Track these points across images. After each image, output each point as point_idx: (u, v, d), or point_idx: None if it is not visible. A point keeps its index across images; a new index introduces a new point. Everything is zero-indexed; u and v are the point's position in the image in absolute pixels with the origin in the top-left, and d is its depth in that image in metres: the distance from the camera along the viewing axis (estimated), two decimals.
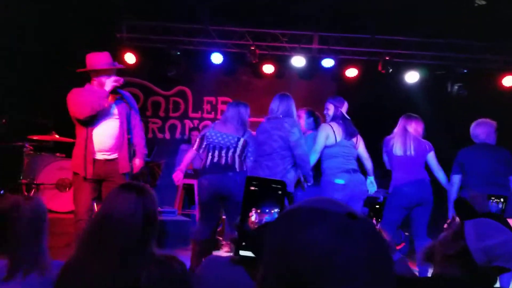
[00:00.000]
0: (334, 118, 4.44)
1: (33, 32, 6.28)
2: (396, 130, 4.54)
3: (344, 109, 4.50)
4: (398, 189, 4.44)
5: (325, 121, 4.64)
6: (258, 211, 1.18)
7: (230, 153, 4.17)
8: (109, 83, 3.88)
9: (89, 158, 3.81)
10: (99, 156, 3.88)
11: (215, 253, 4.84)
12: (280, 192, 1.16)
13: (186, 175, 7.16)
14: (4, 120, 5.83)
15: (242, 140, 4.21)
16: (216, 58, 7.96)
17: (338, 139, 4.31)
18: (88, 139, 3.83)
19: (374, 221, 1.93)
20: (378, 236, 0.74)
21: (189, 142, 7.67)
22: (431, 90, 7.91)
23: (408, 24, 7.22)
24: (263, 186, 1.20)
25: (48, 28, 6.37)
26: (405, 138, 4.42)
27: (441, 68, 8.00)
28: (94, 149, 3.84)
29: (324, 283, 0.68)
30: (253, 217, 1.18)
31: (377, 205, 1.98)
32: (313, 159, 4.29)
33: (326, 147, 4.31)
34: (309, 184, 4.30)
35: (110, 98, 3.96)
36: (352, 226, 0.72)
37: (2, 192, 5.34)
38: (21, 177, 5.68)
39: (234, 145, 4.18)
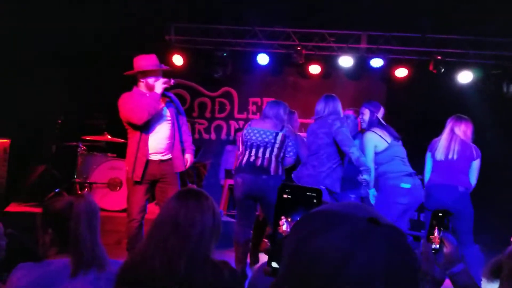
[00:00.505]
0: (370, 124, 4.31)
1: (87, 34, 6.49)
2: (444, 130, 4.34)
3: (380, 114, 4.34)
4: (428, 190, 4.28)
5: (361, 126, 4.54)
6: (289, 219, 1.15)
7: (267, 153, 4.12)
8: (159, 85, 3.94)
9: (139, 162, 3.89)
10: (154, 157, 3.96)
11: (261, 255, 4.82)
12: (315, 201, 1.12)
13: (231, 176, 7.21)
14: (59, 121, 6.05)
15: (280, 134, 4.15)
16: (262, 59, 7.96)
17: (389, 141, 4.18)
18: (141, 142, 3.92)
19: (436, 230, 1.83)
20: (402, 245, 0.70)
21: (234, 143, 7.73)
22: (486, 91, 7.59)
23: (461, 23, 6.95)
24: (297, 194, 1.17)
25: (101, 30, 6.56)
26: (450, 141, 4.22)
27: (497, 67, 7.66)
28: (148, 151, 3.93)
29: None
30: (284, 226, 1.14)
31: (440, 213, 1.88)
32: (372, 175, 4.14)
33: (378, 153, 4.16)
34: (363, 177, 4.04)
35: (161, 100, 4.04)
36: (372, 231, 0.68)
37: (57, 190, 5.56)
38: (75, 176, 5.88)
39: (272, 141, 4.13)
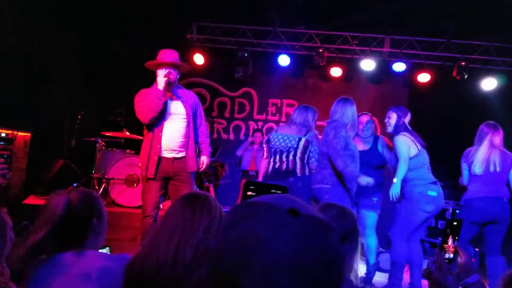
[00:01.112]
0: (396, 129, 4.24)
1: (110, 31, 6.54)
2: (481, 141, 4.25)
3: (407, 120, 4.27)
4: (469, 203, 4.24)
5: (385, 130, 4.46)
6: None
7: (290, 157, 4.11)
8: (161, 79, 3.88)
9: (152, 159, 3.90)
10: (167, 154, 3.95)
11: None
12: None
13: (249, 176, 7.20)
14: (79, 116, 6.11)
15: (303, 139, 4.15)
16: (283, 60, 7.92)
17: (419, 147, 4.14)
18: (154, 140, 3.92)
19: (451, 239, 1.78)
20: (318, 236, 0.69)
21: (252, 142, 7.71)
22: (510, 98, 7.39)
23: (486, 28, 6.80)
24: (261, 191, 1.13)
25: (124, 27, 6.61)
26: (490, 153, 4.17)
27: None
28: (160, 148, 3.92)
29: (248, 280, 0.64)
30: None
31: (455, 221, 1.83)
32: (404, 168, 4.07)
33: (410, 158, 4.10)
34: (360, 182, 3.94)
35: (168, 95, 3.95)
36: (289, 222, 0.68)
37: (75, 185, 5.60)
38: (93, 172, 5.93)
39: (295, 146, 4.13)
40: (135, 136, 6.28)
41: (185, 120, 4.02)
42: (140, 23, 6.79)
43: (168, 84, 3.91)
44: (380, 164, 4.66)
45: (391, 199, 4.13)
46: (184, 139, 4.01)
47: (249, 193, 1.11)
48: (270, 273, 0.64)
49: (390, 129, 4.31)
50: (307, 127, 4.27)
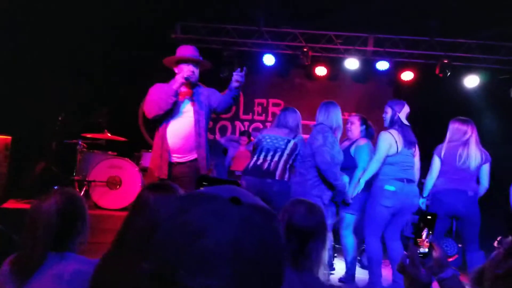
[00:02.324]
0: (391, 123, 4.23)
1: (91, 32, 6.47)
2: (457, 136, 4.26)
3: (403, 114, 4.25)
4: (435, 196, 4.26)
5: (383, 125, 4.47)
6: None
7: (276, 157, 4.05)
8: (178, 78, 3.67)
9: (165, 158, 3.71)
10: (173, 158, 3.76)
11: None
12: None
13: (235, 177, 7.17)
14: (60, 118, 6.03)
15: (292, 142, 4.11)
16: (268, 59, 7.91)
17: (400, 148, 4.11)
18: (164, 138, 3.74)
19: (425, 231, 1.77)
20: (259, 225, 0.67)
21: (238, 144, 7.69)
22: (493, 96, 7.47)
23: (469, 27, 6.84)
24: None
25: (106, 28, 6.54)
26: (470, 148, 4.18)
27: (505, 72, 7.52)
28: (169, 149, 3.73)
29: (185, 270, 0.62)
30: None
31: (428, 215, 1.82)
32: (374, 167, 4.11)
33: (387, 156, 4.11)
34: (347, 198, 4.13)
35: (183, 95, 3.75)
36: (230, 210, 0.66)
37: (56, 188, 5.54)
38: (74, 174, 5.85)
39: (282, 147, 4.09)
40: (117, 137, 6.22)
41: (193, 118, 3.76)
42: (124, 23, 6.72)
43: (191, 85, 3.76)
44: (348, 166, 4.60)
45: (349, 197, 4.25)
46: (191, 141, 3.76)
47: (202, 188, 1.10)
48: (209, 263, 0.62)
49: (386, 123, 4.31)
50: (296, 129, 4.24)
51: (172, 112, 3.72)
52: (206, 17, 7.76)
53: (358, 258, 5.16)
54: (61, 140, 6.05)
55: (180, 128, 3.74)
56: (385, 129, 4.25)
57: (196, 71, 3.81)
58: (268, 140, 4.16)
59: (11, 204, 5.21)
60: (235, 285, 0.62)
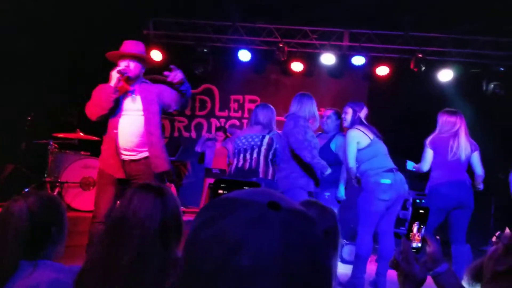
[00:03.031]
0: (352, 123, 4.30)
1: (60, 28, 6.27)
2: (446, 128, 4.31)
3: (363, 114, 4.34)
4: (435, 189, 4.29)
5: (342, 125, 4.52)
6: None
7: (254, 154, 4.04)
8: (114, 75, 3.54)
9: (119, 157, 3.62)
10: (124, 156, 3.65)
11: None
12: None
13: (212, 174, 7.07)
14: (29, 118, 5.83)
15: (267, 137, 4.09)
16: (244, 55, 7.83)
17: (371, 137, 4.16)
18: (110, 138, 3.65)
19: (416, 226, 1.73)
20: (307, 234, 0.62)
21: (209, 139, 7.59)
22: (466, 89, 7.60)
23: (442, 21, 6.93)
24: (233, 189, 1.03)
25: (74, 24, 6.35)
26: (460, 139, 4.25)
27: (477, 66, 7.66)
28: (118, 148, 3.63)
29: (228, 283, 0.57)
30: None
31: (421, 209, 1.78)
32: (352, 172, 4.16)
33: (360, 150, 4.14)
34: (324, 174, 4.05)
35: (121, 90, 3.61)
36: (269, 216, 0.61)
37: (26, 190, 5.33)
38: (46, 175, 5.66)
39: (258, 143, 4.07)
40: (90, 136, 6.04)
41: (143, 116, 3.64)
42: (94, 19, 6.53)
43: (128, 79, 3.62)
44: (330, 162, 4.61)
45: (337, 201, 4.26)
46: (142, 138, 3.65)
47: (220, 191, 1.04)
48: (251, 276, 0.57)
49: (346, 123, 4.38)
50: (270, 125, 4.22)
51: (116, 110, 3.61)
52: (179, 12, 7.61)
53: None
54: (31, 140, 5.84)
55: (130, 127, 3.63)
56: (347, 129, 4.33)
57: (134, 66, 3.66)
58: (244, 141, 4.14)
59: None
60: None
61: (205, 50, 7.69)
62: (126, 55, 3.64)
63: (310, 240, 0.62)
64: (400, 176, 4.13)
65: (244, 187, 1.04)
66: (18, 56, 5.98)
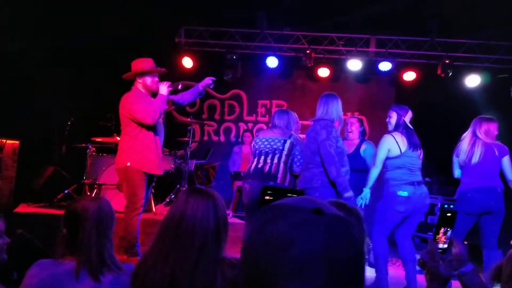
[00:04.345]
0: (396, 127, 4.28)
1: (98, 36, 6.53)
2: (464, 135, 4.38)
3: (407, 118, 4.30)
4: (463, 194, 4.33)
5: (384, 125, 4.55)
6: None
7: (275, 159, 4.11)
8: (164, 87, 4.19)
9: (160, 156, 4.30)
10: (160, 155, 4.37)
11: None
12: None
13: (241, 178, 7.23)
14: (69, 123, 6.11)
15: (288, 142, 4.16)
16: (272, 62, 7.99)
17: (403, 149, 4.13)
18: (157, 141, 4.24)
19: (443, 228, 1.85)
20: (342, 232, 0.74)
21: (242, 143, 7.76)
22: (493, 95, 7.54)
23: (469, 27, 6.93)
24: (278, 195, 1.17)
25: (112, 32, 6.60)
26: (473, 145, 4.27)
27: (504, 71, 7.62)
28: (160, 149, 4.31)
29: (281, 277, 0.69)
30: None
31: (448, 213, 1.90)
32: (374, 173, 4.18)
33: (389, 158, 4.15)
34: (344, 196, 4.11)
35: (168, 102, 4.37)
36: (314, 220, 0.73)
37: (66, 191, 5.60)
38: (84, 177, 5.93)
39: (280, 148, 4.14)
40: None
41: (162, 124, 4.44)
42: (128, 27, 6.79)
43: (171, 92, 4.30)
44: (359, 169, 4.72)
45: (358, 205, 4.23)
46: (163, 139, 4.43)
47: (267, 197, 1.16)
48: (304, 268, 0.69)
49: (390, 127, 4.33)
50: (290, 129, 4.30)
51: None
52: (209, 21, 7.83)
53: (366, 256, 5.23)
54: (70, 144, 6.12)
55: (162, 130, 4.39)
56: (388, 132, 4.30)
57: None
58: (266, 143, 4.21)
59: (23, 209, 5.28)
60: (329, 287, 0.69)
61: (234, 57, 7.87)
62: (153, 72, 4.27)
63: (349, 241, 0.73)
64: (422, 189, 4.12)
65: (288, 194, 1.17)
66: (59, 62, 6.27)
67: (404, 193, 4.05)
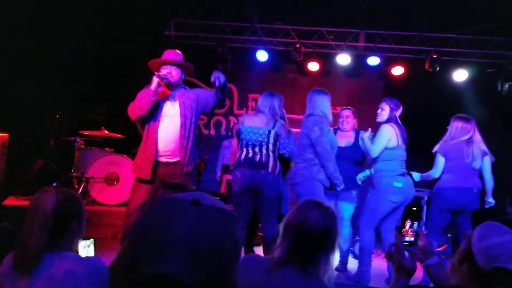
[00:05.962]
0: (388, 120, 4.37)
1: (85, 29, 6.52)
2: (460, 134, 4.40)
3: (398, 113, 4.42)
4: (440, 191, 4.41)
5: (373, 119, 4.61)
6: None
7: (264, 150, 4.16)
8: (155, 79, 3.77)
9: (149, 160, 3.80)
10: (162, 158, 3.84)
11: (256, 248, 4.90)
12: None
13: (229, 171, 7.26)
14: (57, 116, 6.11)
15: (273, 132, 4.19)
16: (262, 55, 8.02)
17: (399, 142, 4.27)
18: (149, 141, 3.84)
19: (409, 222, 1.91)
20: (218, 226, 0.79)
21: (232, 137, 7.79)
22: (481, 89, 7.63)
23: (457, 21, 6.98)
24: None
25: (99, 25, 6.59)
26: (473, 146, 4.33)
27: (492, 66, 7.69)
28: (157, 151, 3.82)
29: (147, 258, 0.75)
30: None
31: (414, 207, 1.97)
32: (373, 150, 4.29)
33: (387, 148, 4.26)
34: (338, 189, 4.26)
35: (161, 95, 3.82)
36: (189, 209, 0.79)
37: (54, 184, 5.61)
38: (72, 171, 5.95)
39: (265, 140, 4.18)
40: (114, 134, 6.31)
41: (180, 121, 3.85)
42: (117, 20, 6.78)
43: (169, 85, 3.85)
44: (361, 159, 4.83)
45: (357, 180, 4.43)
46: (178, 142, 3.83)
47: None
48: (164, 250, 0.74)
49: (380, 119, 4.42)
50: (275, 115, 4.25)
51: (156, 114, 3.83)
52: (199, 14, 7.83)
53: (351, 248, 5.31)
54: (58, 137, 6.13)
55: (169, 131, 3.83)
56: (386, 122, 4.38)
57: (176, 73, 3.89)
58: (251, 134, 4.23)
59: (11, 201, 5.31)
60: (184, 272, 0.74)
61: (225, 51, 7.89)
62: (168, 62, 3.89)
63: (219, 232, 0.79)
64: (410, 180, 4.30)
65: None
66: (46, 55, 6.26)
67: (399, 184, 4.18)
